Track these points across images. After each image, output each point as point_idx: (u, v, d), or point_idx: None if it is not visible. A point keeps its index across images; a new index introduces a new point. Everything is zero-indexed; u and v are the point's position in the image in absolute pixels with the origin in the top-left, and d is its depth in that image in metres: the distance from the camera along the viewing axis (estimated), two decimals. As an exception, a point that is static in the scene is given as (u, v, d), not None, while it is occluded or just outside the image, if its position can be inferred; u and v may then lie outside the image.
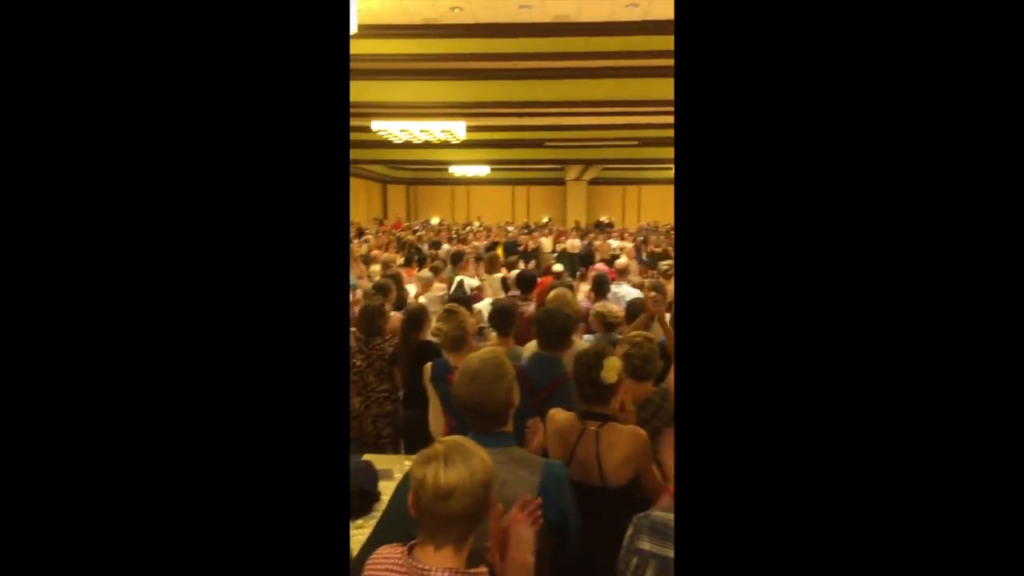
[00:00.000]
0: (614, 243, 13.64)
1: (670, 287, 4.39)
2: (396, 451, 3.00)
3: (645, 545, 1.19)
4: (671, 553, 1.15)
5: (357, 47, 5.92)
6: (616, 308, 3.19)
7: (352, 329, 3.09)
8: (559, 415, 1.79)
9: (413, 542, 1.09)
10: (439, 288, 4.85)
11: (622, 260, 4.98)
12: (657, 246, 13.87)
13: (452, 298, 3.62)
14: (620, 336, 2.90)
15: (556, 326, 2.32)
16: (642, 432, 1.73)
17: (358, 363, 3.00)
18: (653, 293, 3.88)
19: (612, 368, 1.70)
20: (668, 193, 18.93)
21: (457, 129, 9.58)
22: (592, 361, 1.72)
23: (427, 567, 1.03)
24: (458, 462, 1.04)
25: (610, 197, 19.36)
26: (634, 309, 3.06)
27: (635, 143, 11.79)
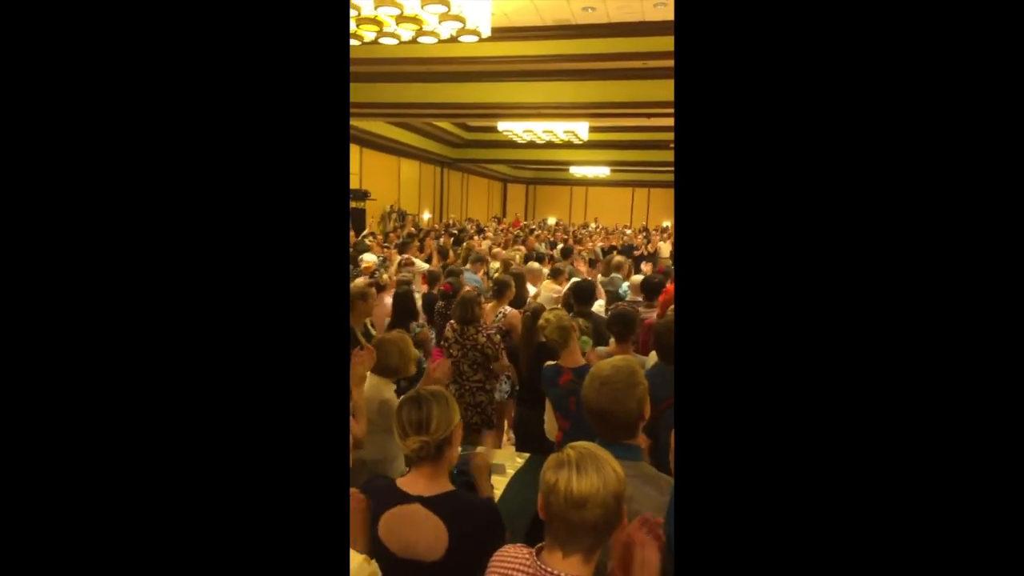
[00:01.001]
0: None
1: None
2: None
3: None
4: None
5: (487, 50, 6.08)
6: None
7: (451, 322, 3.21)
8: (685, 431, 1.72)
9: (540, 545, 1.09)
10: (555, 289, 4.87)
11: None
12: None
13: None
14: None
15: (672, 341, 2.22)
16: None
17: (454, 352, 3.11)
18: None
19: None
20: (802, 199, 17.56)
21: (580, 130, 9.56)
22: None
23: (557, 572, 1.02)
24: (591, 471, 1.02)
25: (736, 202, 18.33)
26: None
27: (769, 145, 11.06)
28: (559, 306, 2.87)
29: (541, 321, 2.52)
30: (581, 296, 3.44)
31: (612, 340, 2.81)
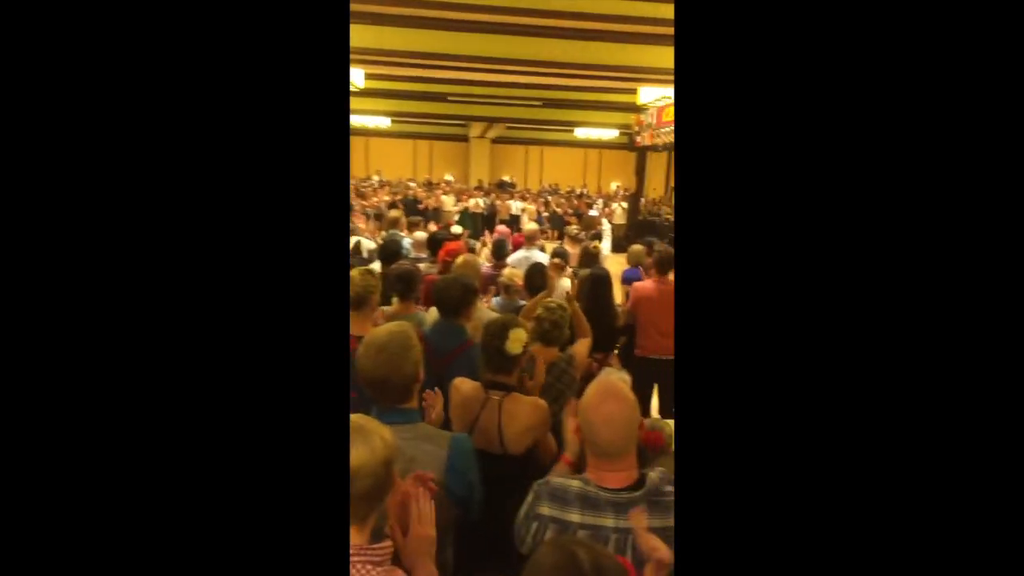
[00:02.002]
0: (517, 204, 13.74)
1: (574, 251, 4.52)
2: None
3: (544, 510, 1.24)
4: (569, 517, 1.22)
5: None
6: (520, 273, 3.23)
7: None
8: (464, 385, 1.81)
9: None
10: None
11: (530, 226, 5.02)
12: (558, 207, 14.17)
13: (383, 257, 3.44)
14: (523, 302, 2.95)
15: (453, 296, 2.30)
16: (542, 403, 1.80)
17: None
18: (557, 259, 3.98)
19: (517, 340, 1.74)
20: (570, 155, 19.21)
21: (355, 76, 9.07)
22: (499, 332, 1.75)
23: None
24: (358, 443, 1.02)
25: (513, 157, 19.35)
26: (532, 274, 3.09)
27: (538, 104, 11.79)
28: (372, 269, 2.74)
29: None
30: (387, 255, 3.36)
31: (395, 299, 2.81)
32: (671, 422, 2.03)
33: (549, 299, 2.38)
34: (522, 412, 1.73)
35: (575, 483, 1.24)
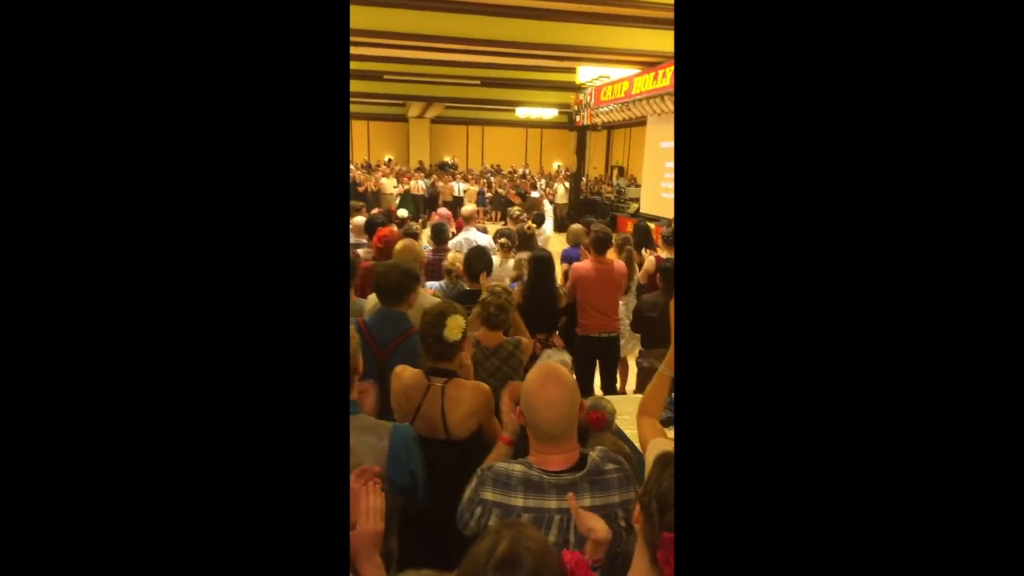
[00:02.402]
0: (460, 185, 13.63)
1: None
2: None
3: (488, 495, 1.25)
4: (513, 501, 1.23)
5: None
6: (463, 257, 3.21)
7: None
8: (405, 372, 1.80)
9: None
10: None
11: (468, 207, 4.99)
12: (500, 188, 14.14)
13: None
14: (466, 287, 2.94)
15: (392, 283, 2.27)
16: (485, 387, 1.80)
17: None
18: (504, 239, 3.97)
19: (455, 326, 1.74)
20: (510, 135, 19.17)
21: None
22: (436, 320, 1.75)
23: None
24: None
25: (454, 137, 19.12)
26: (471, 258, 3.06)
27: (477, 83, 11.66)
28: None
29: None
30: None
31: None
32: (612, 399, 2.08)
33: (494, 283, 2.39)
34: (465, 397, 1.73)
35: (518, 467, 1.25)
